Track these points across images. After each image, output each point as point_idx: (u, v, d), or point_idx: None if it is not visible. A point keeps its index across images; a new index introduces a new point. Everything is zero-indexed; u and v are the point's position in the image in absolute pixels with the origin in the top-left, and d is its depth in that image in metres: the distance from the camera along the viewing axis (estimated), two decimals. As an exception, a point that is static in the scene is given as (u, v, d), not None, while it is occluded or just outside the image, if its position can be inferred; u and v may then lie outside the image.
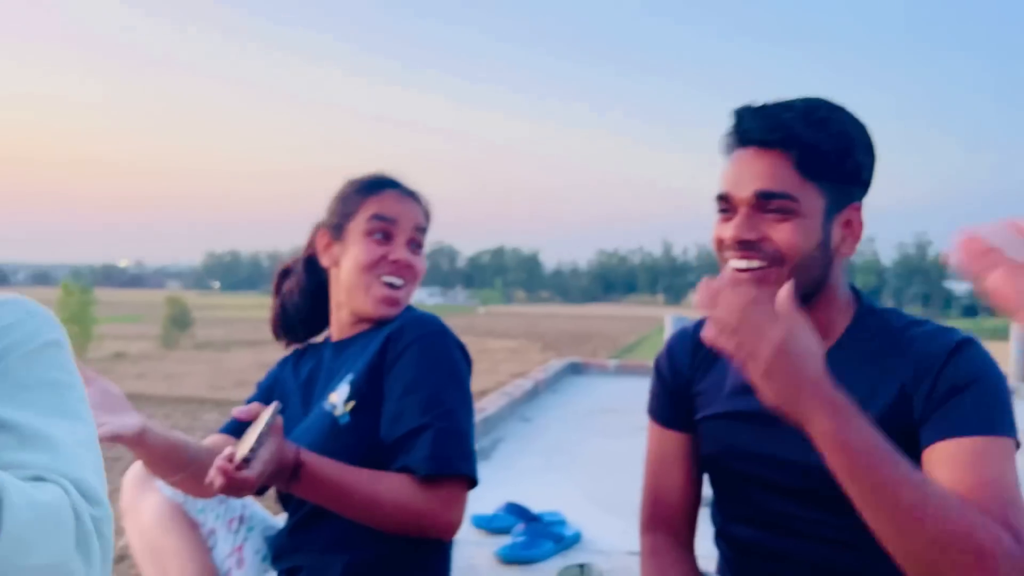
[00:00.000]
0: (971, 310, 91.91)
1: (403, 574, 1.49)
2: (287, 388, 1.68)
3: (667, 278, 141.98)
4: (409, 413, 1.45)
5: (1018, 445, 1.13)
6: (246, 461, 1.22)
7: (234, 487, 1.23)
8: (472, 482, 1.47)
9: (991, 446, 1.09)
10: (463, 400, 1.51)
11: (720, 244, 1.24)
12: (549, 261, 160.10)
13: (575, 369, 8.53)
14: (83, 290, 31.13)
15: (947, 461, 1.09)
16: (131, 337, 33.86)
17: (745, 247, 1.19)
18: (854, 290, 1.29)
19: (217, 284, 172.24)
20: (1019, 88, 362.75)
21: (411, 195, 1.63)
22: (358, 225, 1.58)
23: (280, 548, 1.57)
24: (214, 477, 1.22)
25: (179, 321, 33.05)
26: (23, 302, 0.91)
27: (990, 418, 1.11)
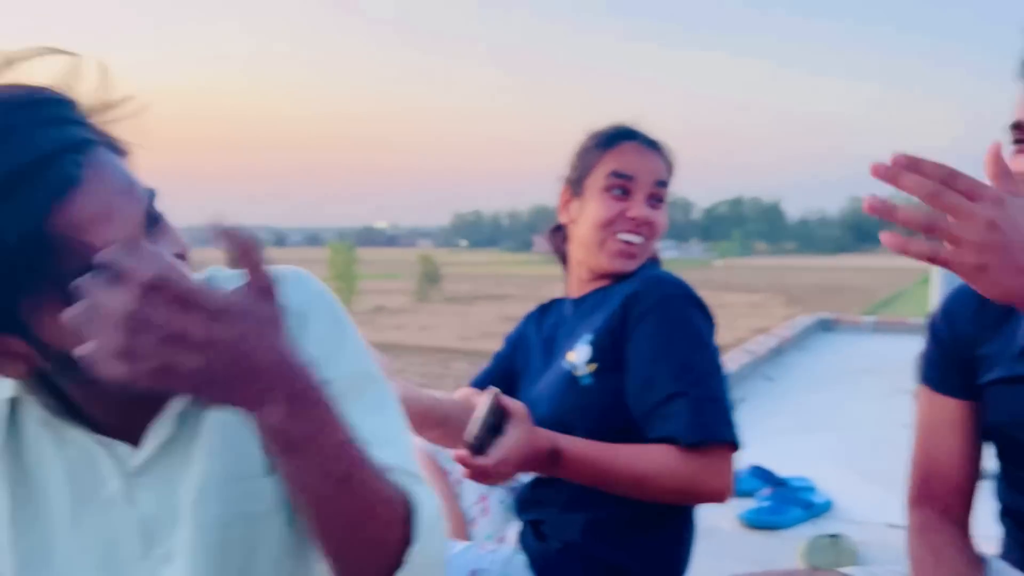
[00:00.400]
0: None
1: (645, 534, 1.48)
2: (530, 342, 1.71)
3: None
4: (661, 380, 1.41)
5: None
6: (472, 447, 1.25)
7: (478, 475, 1.28)
8: (735, 447, 1.42)
9: None
10: (713, 363, 1.46)
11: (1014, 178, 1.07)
12: (793, 210, 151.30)
13: (825, 326, 7.99)
14: (348, 249, 34.46)
15: None
16: (389, 292, 37.06)
17: None
18: None
19: (464, 242, 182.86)
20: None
21: (652, 147, 1.58)
22: (596, 181, 1.56)
23: (524, 500, 1.61)
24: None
25: (430, 277, 35.61)
26: (307, 279, 0.97)
27: None
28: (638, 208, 1.53)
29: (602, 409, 1.47)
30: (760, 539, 2.72)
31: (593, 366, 1.49)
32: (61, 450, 0.86)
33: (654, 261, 1.68)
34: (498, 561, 1.50)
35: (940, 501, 1.26)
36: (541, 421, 1.55)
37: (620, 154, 1.56)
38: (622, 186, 1.54)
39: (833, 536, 2.49)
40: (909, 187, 0.81)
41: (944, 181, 0.80)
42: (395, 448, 0.86)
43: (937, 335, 1.29)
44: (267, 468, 0.93)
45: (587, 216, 1.56)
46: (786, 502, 2.89)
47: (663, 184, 1.56)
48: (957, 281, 1.34)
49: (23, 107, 0.70)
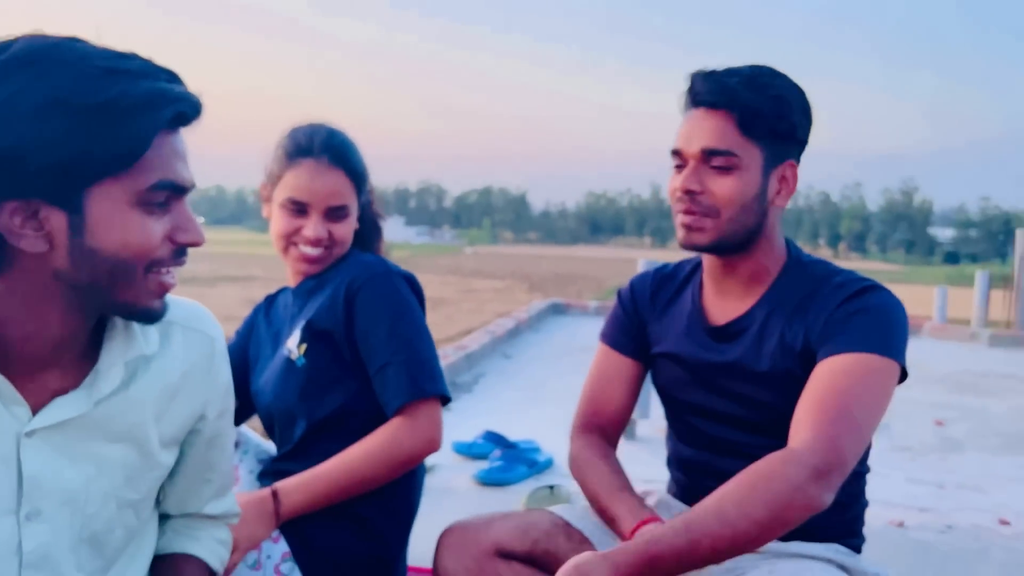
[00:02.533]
0: (953, 256, 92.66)
1: (378, 494, 1.62)
2: (261, 335, 1.81)
3: (655, 220, 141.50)
4: (373, 355, 1.59)
5: (904, 372, 1.30)
6: None
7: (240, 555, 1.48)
8: (444, 399, 1.61)
9: (862, 362, 1.25)
10: (417, 328, 1.62)
11: (672, 194, 1.42)
12: (537, 202, 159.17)
13: (557, 309, 8.76)
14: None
15: (815, 376, 1.27)
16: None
17: (689, 198, 1.37)
18: (787, 242, 1.47)
19: (202, 219, 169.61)
20: (1002, 32, 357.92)
21: (334, 163, 1.62)
22: (278, 195, 1.65)
23: (269, 471, 1.72)
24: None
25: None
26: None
27: (867, 339, 1.27)
28: (312, 228, 1.62)
29: (317, 386, 1.62)
30: (493, 494, 3.06)
31: (303, 347, 1.63)
32: None
33: (371, 243, 1.79)
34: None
35: (601, 430, 1.56)
36: (267, 408, 1.70)
37: (297, 176, 1.62)
38: (298, 208, 1.62)
39: (551, 487, 2.89)
40: None
41: None
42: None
43: (623, 305, 1.61)
44: (153, 466, 1.06)
45: (273, 223, 1.67)
46: (515, 461, 3.27)
47: (340, 207, 1.63)
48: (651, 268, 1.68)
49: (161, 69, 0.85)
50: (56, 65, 0.80)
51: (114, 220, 0.83)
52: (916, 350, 4.68)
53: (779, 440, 1.25)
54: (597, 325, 7.65)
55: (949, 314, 8.48)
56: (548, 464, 3.42)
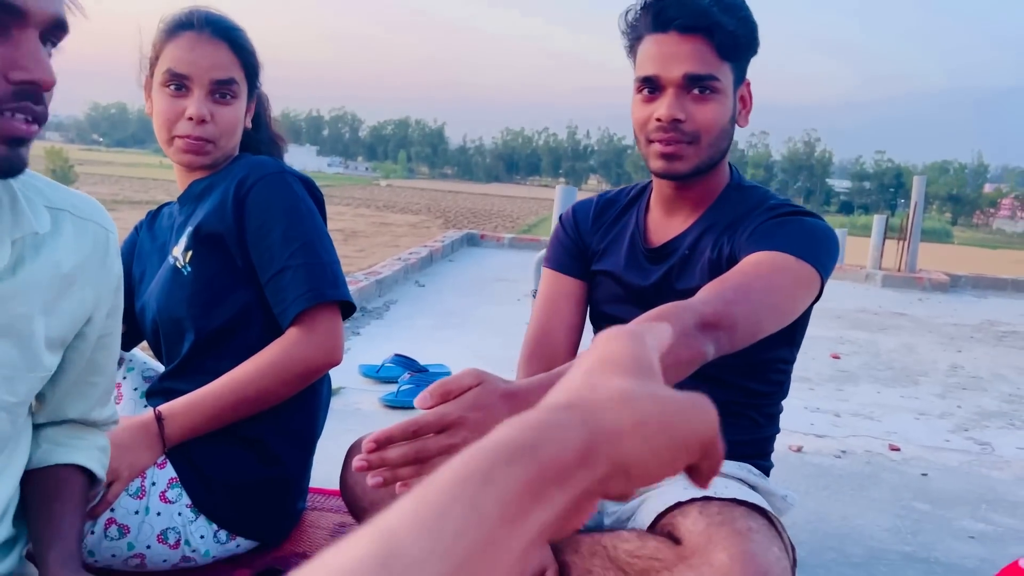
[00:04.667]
0: (847, 206, 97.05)
1: (275, 414, 1.52)
2: (144, 251, 1.68)
3: (570, 161, 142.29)
4: (267, 260, 1.46)
5: (821, 283, 1.26)
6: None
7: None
8: (348, 306, 1.50)
9: (778, 259, 1.20)
10: (316, 231, 1.50)
11: (644, 123, 1.35)
12: (454, 137, 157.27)
13: (471, 240, 8.68)
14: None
15: (736, 267, 1.21)
16: (4, 190, 31.60)
17: (673, 127, 1.31)
18: (730, 166, 1.46)
19: (101, 139, 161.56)
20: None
21: (217, 35, 1.49)
22: (157, 75, 1.51)
23: (155, 391, 1.61)
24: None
25: (61, 176, 31.07)
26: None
27: (790, 243, 1.23)
28: (195, 105, 1.47)
29: (206, 295, 1.50)
30: (400, 417, 3.01)
31: (189, 255, 1.51)
32: None
33: (273, 146, 1.68)
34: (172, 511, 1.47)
35: (548, 360, 1.50)
36: (152, 323, 1.57)
37: (176, 47, 1.48)
38: (178, 83, 1.48)
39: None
40: (396, 460, 0.82)
41: (416, 433, 0.82)
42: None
43: (564, 228, 1.59)
44: (35, 366, 0.93)
45: (155, 114, 1.52)
46: (424, 384, 3.22)
47: (226, 81, 1.49)
48: (573, 199, 1.65)
49: None
50: None
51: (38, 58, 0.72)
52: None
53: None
54: (512, 257, 7.68)
55: (844, 261, 8.87)
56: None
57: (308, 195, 1.54)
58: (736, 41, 1.33)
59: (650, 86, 1.34)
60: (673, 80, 1.31)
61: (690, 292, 1.34)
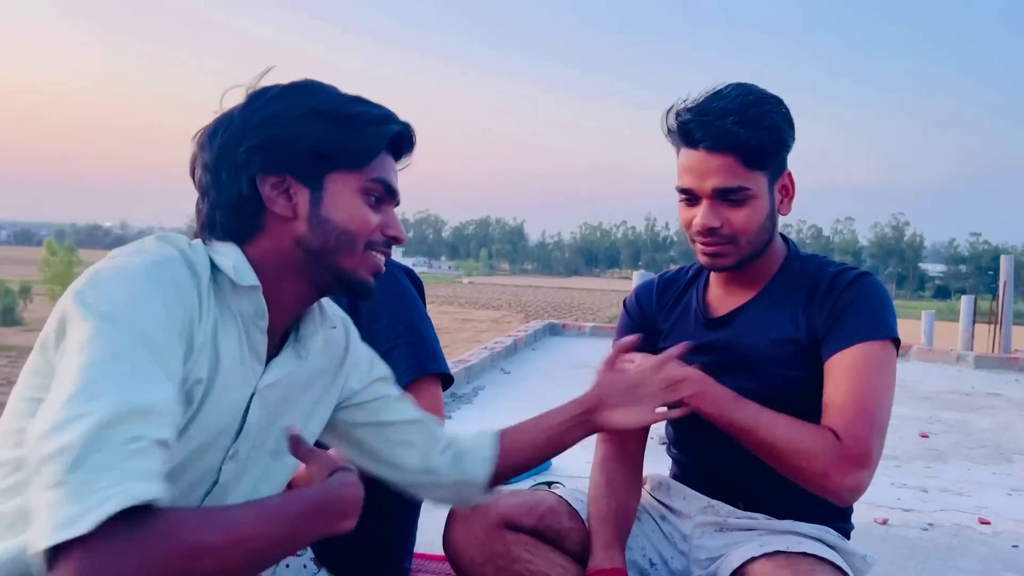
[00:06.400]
0: (943, 291, 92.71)
1: (397, 505, 1.64)
2: None
3: (649, 252, 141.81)
4: (378, 343, 1.57)
5: (898, 342, 1.39)
6: None
7: None
8: (446, 379, 1.67)
9: (867, 352, 1.35)
10: (419, 314, 1.68)
11: (687, 226, 1.48)
12: (534, 233, 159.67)
13: (553, 330, 8.88)
14: (68, 249, 30.87)
15: (832, 371, 1.37)
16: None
17: (709, 233, 1.43)
18: (784, 239, 1.56)
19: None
20: (989, 71, 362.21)
21: None
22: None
23: None
24: None
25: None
26: None
27: (867, 326, 1.37)
28: None
29: None
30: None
31: None
32: (236, 333, 1.04)
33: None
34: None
35: (620, 439, 1.56)
36: None
37: None
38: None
39: (548, 483, 3.01)
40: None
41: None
42: None
43: (629, 312, 1.68)
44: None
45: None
46: (513, 462, 3.38)
47: None
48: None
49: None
50: (319, 90, 1.09)
51: (344, 200, 1.07)
52: (904, 371, 4.82)
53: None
54: (594, 344, 7.82)
55: (936, 345, 8.62)
56: (546, 466, 3.53)
57: (410, 283, 1.74)
58: (763, 152, 1.37)
59: (688, 196, 1.43)
60: (706, 192, 1.39)
61: (754, 356, 1.46)
